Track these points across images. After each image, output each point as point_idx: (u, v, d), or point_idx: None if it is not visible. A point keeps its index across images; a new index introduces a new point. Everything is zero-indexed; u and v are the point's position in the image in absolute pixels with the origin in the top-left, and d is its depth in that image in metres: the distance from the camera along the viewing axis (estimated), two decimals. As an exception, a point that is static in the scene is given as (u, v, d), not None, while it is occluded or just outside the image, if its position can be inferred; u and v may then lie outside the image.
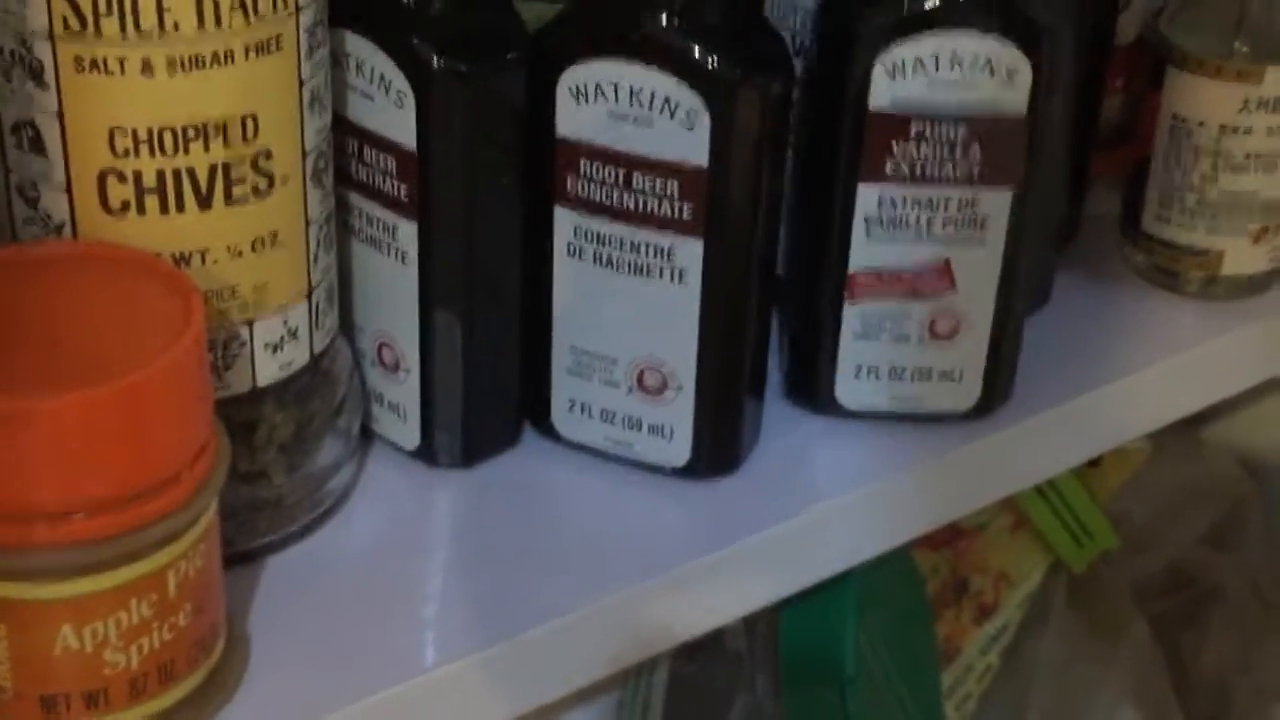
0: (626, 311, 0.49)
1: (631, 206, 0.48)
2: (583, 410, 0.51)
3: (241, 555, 0.48)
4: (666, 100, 0.46)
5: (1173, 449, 0.83)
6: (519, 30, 0.48)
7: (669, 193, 0.47)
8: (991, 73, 0.49)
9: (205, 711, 0.43)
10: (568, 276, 0.50)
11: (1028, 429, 0.56)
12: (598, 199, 0.48)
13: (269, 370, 0.46)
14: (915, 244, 0.51)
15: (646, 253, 0.48)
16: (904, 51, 0.49)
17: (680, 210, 0.47)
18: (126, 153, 0.41)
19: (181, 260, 0.43)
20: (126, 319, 0.40)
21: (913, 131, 0.50)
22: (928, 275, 0.52)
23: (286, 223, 0.45)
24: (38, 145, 0.42)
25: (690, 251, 0.48)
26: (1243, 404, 0.87)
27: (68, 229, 0.43)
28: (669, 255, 0.48)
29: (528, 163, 0.49)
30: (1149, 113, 0.62)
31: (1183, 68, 0.59)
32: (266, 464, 0.47)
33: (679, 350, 0.49)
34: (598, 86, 0.47)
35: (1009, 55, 0.49)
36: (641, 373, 0.50)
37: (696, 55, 0.46)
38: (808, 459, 0.53)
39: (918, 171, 0.50)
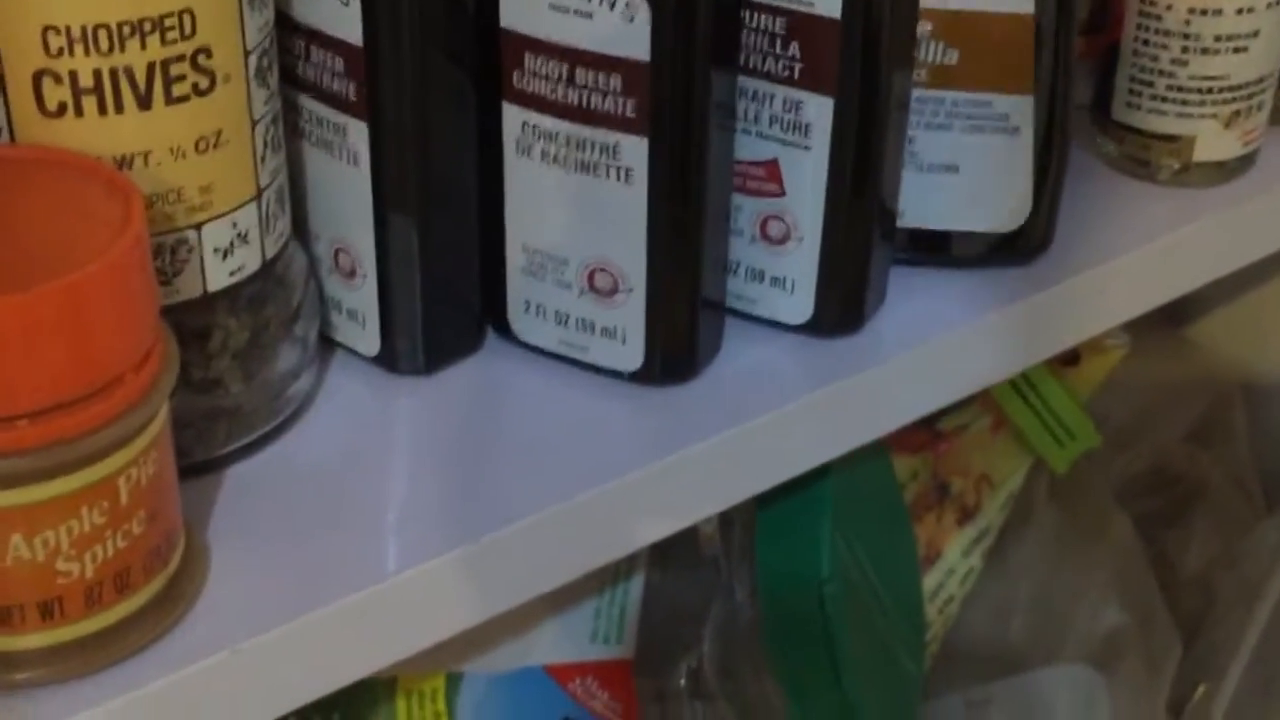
0: (575, 211, 0.48)
1: (575, 102, 0.47)
2: (538, 312, 0.50)
3: (201, 465, 0.47)
4: None
5: (1153, 346, 0.83)
6: None
7: (612, 88, 0.46)
8: None
9: (163, 621, 0.42)
10: (518, 174, 0.49)
11: (998, 322, 0.55)
12: (543, 94, 0.47)
13: (219, 275, 0.45)
14: (743, 136, 0.50)
15: (592, 150, 0.47)
16: None
17: (624, 107, 0.46)
18: (61, 52, 0.40)
19: (123, 163, 0.42)
20: (66, 222, 0.39)
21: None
22: (755, 171, 0.50)
23: (230, 122, 0.44)
24: (-31, 48, 0.41)
25: (635, 150, 0.47)
26: (1223, 299, 0.86)
27: (5, 133, 0.42)
28: (614, 153, 0.47)
29: (477, 57, 0.48)
30: (1118, -2, 0.61)
31: (1150, -51, 0.58)
32: (221, 372, 0.46)
33: (628, 252, 0.48)
34: None
35: None
36: (592, 274, 0.49)
37: None
38: (770, 369, 0.52)
39: (744, 61, 0.49)
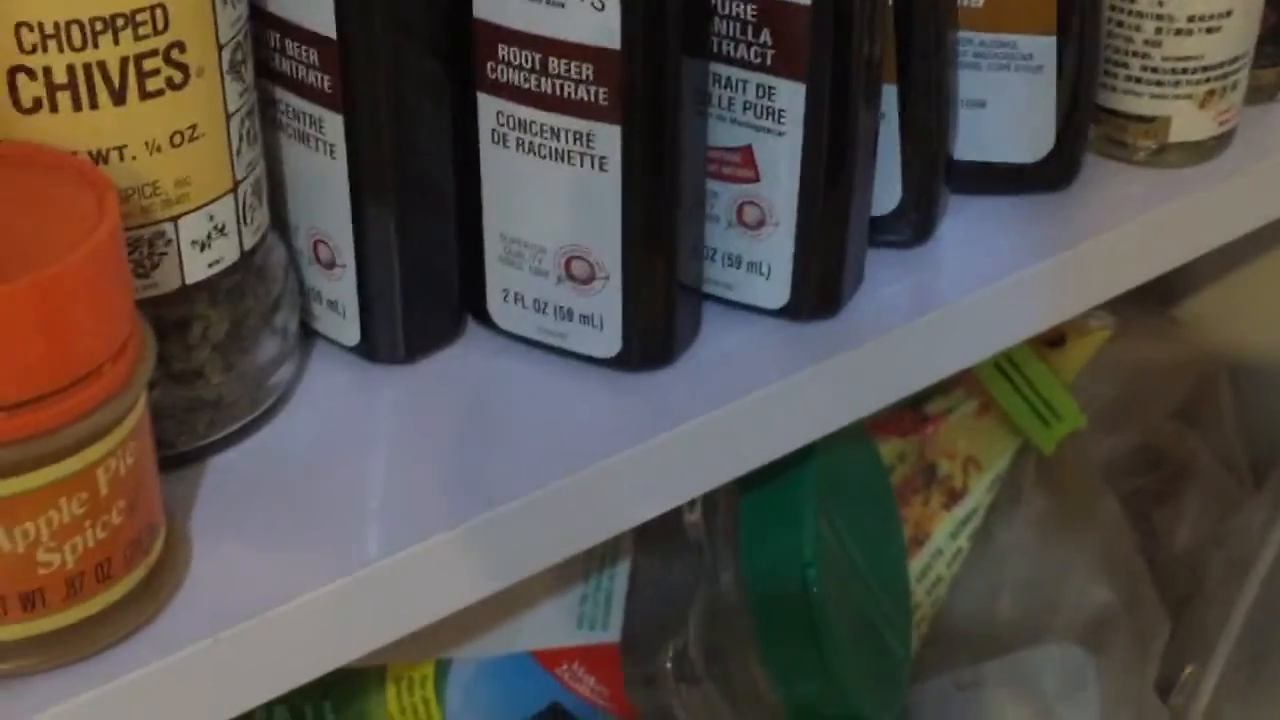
0: (551, 199, 0.49)
1: (549, 91, 0.47)
2: (516, 300, 0.51)
3: (183, 455, 0.47)
4: None
5: (1139, 326, 0.83)
6: None
7: (585, 77, 0.46)
8: None
9: (145, 610, 0.42)
10: (493, 164, 0.49)
11: (974, 304, 0.56)
12: (517, 84, 0.47)
13: (198, 267, 0.45)
14: (717, 122, 0.51)
15: (567, 139, 0.47)
16: None
17: (596, 95, 0.47)
18: (34, 49, 0.41)
19: (100, 157, 0.42)
20: (41, 217, 0.40)
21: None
22: (730, 157, 0.51)
23: (205, 116, 0.44)
24: (-55, 45, 0.41)
25: (609, 138, 0.47)
26: (1209, 277, 0.86)
27: (-18, 129, 0.42)
28: (589, 142, 0.47)
29: (450, 48, 0.48)
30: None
31: (1123, -69, 0.59)
32: (202, 363, 0.47)
33: (604, 239, 0.49)
34: None
35: None
36: (569, 261, 0.49)
37: None
38: (747, 354, 0.53)
39: (716, 48, 0.50)
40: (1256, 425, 0.88)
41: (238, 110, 0.45)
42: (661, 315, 0.51)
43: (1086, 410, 0.80)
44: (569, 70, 0.46)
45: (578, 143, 0.47)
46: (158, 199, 0.44)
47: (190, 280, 0.45)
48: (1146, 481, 0.85)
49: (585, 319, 0.50)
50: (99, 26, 0.41)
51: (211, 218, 0.45)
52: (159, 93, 0.43)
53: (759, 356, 0.53)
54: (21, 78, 0.41)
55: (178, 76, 0.43)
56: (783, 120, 0.50)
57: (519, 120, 0.48)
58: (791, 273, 0.52)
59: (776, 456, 0.54)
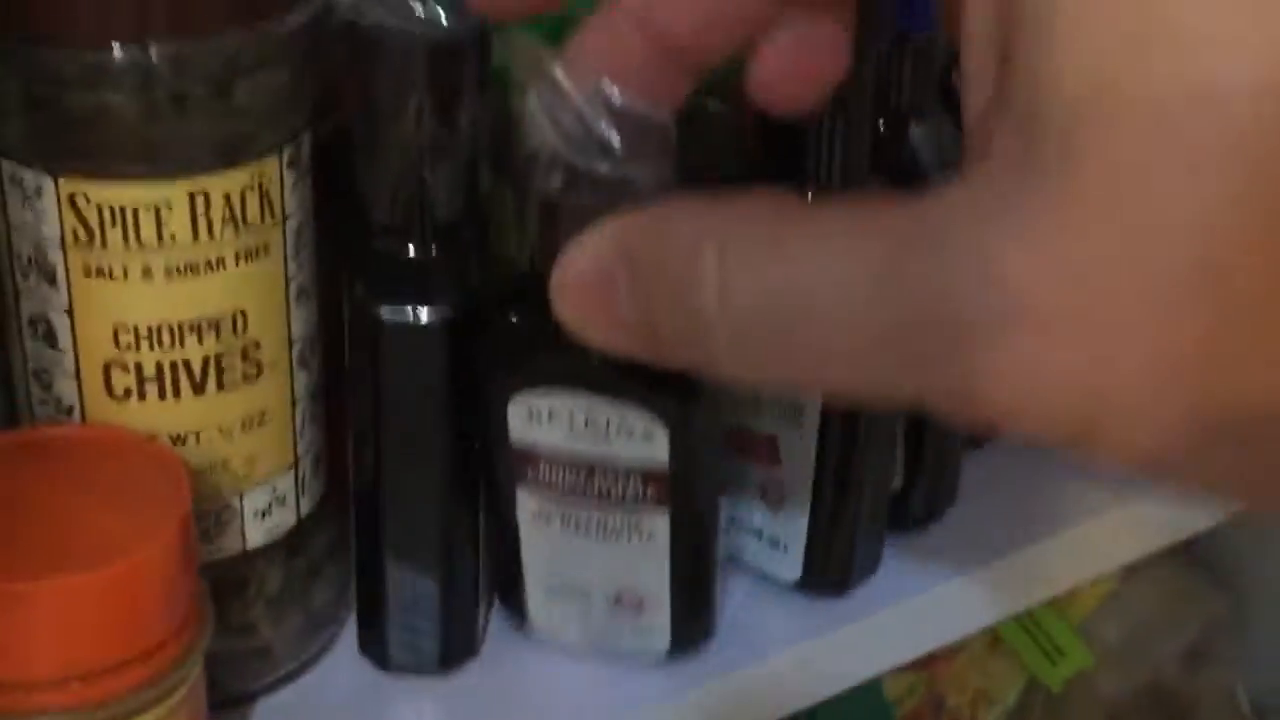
0: (598, 561, 0.52)
1: (595, 493, 0.50)
2: (561, 619, 0.54)
3: (234, 698, 0.52)
4: (620, 423, 0.48)
5: (1147, 568, 0.87)
6: (441, 284, 0.49)
7: (632, 483, 0.49)
8: None
9: None
10: (535, 536, 0.52)
11: (978, 580, 0.60)
12: (559, 485, 0.50)
13: (257, 534, 0.50)
14: (748, 413, 0.55)
15: (613, 523, 0.50)
16: None
17: (644, 493, 0.50)
18: (129, 347, 0.46)
19: (178, 440, 0.47)
20: (121, 499, 0.45)
21: None
22: (757, 444, 0.55)
23: (274, 403, 0.49)
24: (50, 338, 0.46)
25: (656, 520, 0.50)
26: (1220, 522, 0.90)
27: (77, 412, 0.47)
28: (635, 524, 0.50)
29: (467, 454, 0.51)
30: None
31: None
32: (256, 617, 0.51)
33: (652, 584, 0.52)
34: (550, 412, 0.49)
35: None
36: (618, 597, 0.52)
37: (644, 383, 0.47)
38: (762, 625, 0.57)
39: None
40: (1258, 668, 0.91)
41: (303, 396, 0.50)
42: (704, 618, 0.54)
43: (1094, 650, 0.84)
44: (615, 479, 0.50)
45: (624, 525, 0.51)
46: (226, 476, 0.49)
47: (250, 546, 0.50)
48: None
49: (635, 631, 0.53)
50: (186, 330, 0.46)
51: (274, 490, 0.50)
52: (235, 385, 0.47)
53: (773, 626, 0.57)
54: (115, 370, 0.46)
55: (252, 371, 0.48)
56: (803, 418, 0.54)
57: (561, 512, 0.51)
58: (804, 551, 0.56)
59: (788, 714, 0.58)
